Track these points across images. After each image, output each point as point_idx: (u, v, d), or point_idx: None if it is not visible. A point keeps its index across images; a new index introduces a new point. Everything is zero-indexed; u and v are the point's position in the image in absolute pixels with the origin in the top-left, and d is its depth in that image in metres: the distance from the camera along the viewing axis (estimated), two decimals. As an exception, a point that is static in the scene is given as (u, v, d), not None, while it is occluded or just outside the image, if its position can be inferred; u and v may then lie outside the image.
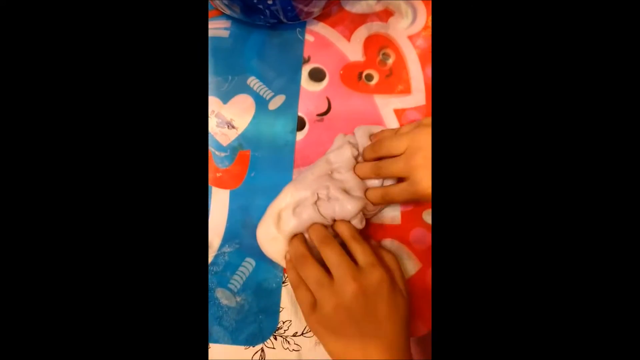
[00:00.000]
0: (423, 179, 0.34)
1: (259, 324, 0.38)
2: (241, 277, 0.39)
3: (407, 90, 0.43)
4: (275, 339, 0.38)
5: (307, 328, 0.38)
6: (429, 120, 0.36)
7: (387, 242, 0.39)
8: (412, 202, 0.40)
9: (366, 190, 0.38)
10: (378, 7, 0.46)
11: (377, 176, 0.38)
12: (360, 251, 0.34)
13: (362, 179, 0.38)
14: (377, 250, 0.36)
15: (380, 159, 0.37)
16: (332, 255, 0.34)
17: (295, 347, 0.38)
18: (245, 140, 0.42)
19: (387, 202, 0.38)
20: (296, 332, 0.38)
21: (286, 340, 0.38)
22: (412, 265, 0.39)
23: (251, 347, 0.38)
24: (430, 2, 0.45)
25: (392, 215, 0.40)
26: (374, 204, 0.37)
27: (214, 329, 0.38)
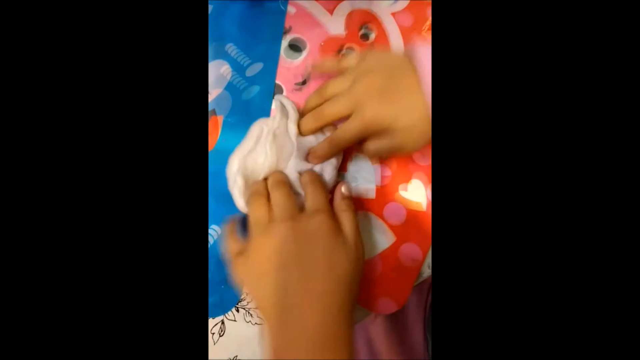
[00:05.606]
0: (367, 104, 0.29)
1: (220, 294, 0.36)
2: (205, 246, 0.37)
3: (388, 66, 0.42)
4: (237, 311, 0.36)
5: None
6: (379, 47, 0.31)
7: (361, 214, 0.38)
8: (363, 138, 0.34)
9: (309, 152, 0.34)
10: (362, -16, 0.45)
11: (321, 122, 0.33)
12: (310, 196, 0.31)
13: (307, 134, 0.34)
14: (339, 202, 0.33)
15: None
16: (277, 197, 0.30)
17: (258, 321, 0.35)
18: (217, 106, 0.41)
19: (336, 146, 0.33)
20: (260, 304, 0.36)
21: (248, 312, 0.36)
22: (386, 239, 0.37)
23: (211, 318, 0.35)
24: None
25: (365, 187, 0.38)
26: (324, 156, 0.33)
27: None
